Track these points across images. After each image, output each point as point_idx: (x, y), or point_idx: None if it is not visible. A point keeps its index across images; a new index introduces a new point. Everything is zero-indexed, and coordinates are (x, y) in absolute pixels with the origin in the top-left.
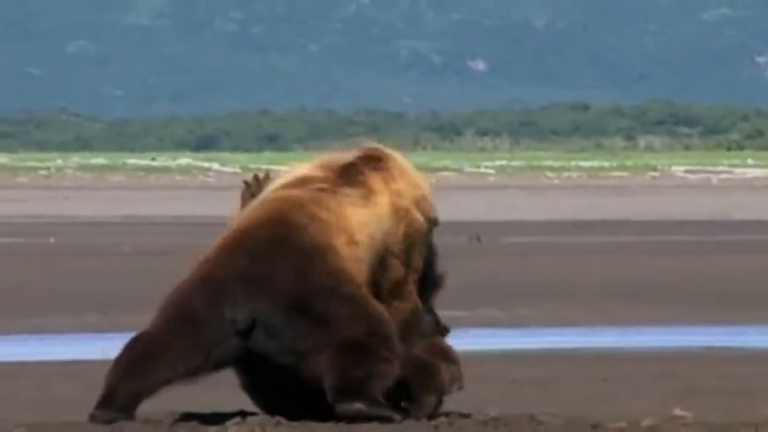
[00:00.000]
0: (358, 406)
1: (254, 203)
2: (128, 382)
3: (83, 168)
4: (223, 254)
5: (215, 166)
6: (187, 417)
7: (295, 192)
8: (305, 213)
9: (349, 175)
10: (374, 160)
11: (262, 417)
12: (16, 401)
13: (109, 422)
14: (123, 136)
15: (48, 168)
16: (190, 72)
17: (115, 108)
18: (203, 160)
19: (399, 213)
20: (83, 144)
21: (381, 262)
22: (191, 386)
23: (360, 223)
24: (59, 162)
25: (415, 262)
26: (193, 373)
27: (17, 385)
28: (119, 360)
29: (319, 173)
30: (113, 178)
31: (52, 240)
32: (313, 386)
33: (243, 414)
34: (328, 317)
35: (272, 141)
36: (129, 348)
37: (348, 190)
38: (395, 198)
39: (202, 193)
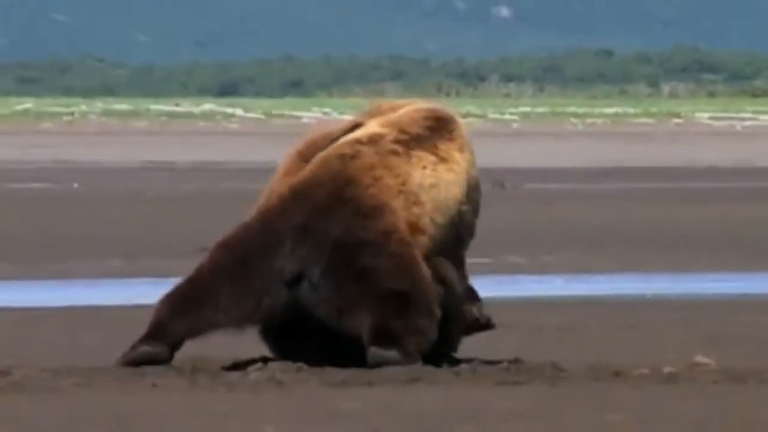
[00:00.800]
0: (392, 354)
1: (325, 153)
2: (178, 319)
3: (107, 113)
4: (285, 204)
5: (238, 112)
6: (208, 363)
7: (367, 150)
8: (371, 175)
9: (423, 141)
10: (447, 129)
11: (284, 363)
12: (40, 346)
13: (153, 357)
14: (147, 82)
15: (72, 113)
16: (213, 18)
17: (139, 54)
18: (226, 105)
19: (472, 184)
20: (107, 90)
21: (455, 232)
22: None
23: (429, 186)
24: (83, 107)
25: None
26: (242, 319)
27: (42, 330)
28: (170, 297)
29: (392, 134)
30: (137, 123)
31: (75, 185)
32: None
33: (264, 360)
34: (372, 270)
35: (296, 87)
36: (181, 287)
37: (421, 154)
38: (470, 168)
39: (225, 139)
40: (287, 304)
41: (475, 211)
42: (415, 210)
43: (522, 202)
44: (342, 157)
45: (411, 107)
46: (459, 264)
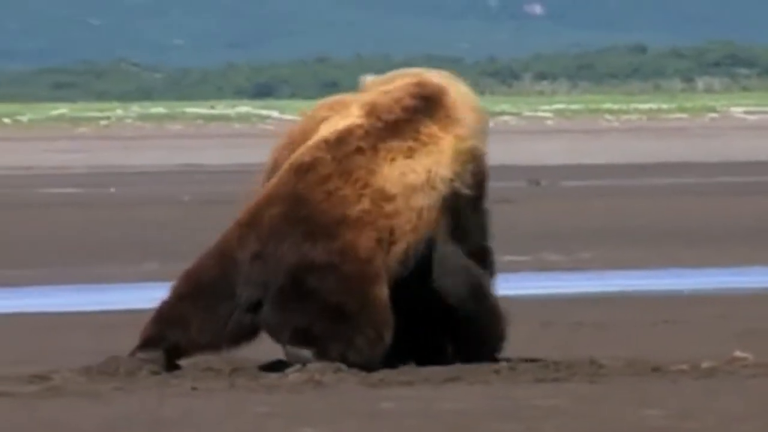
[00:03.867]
0: (306, 353)
1: (286, 164)
2: (169, 331)
3: (143, 117)
4: (241, 231)
5: (274, 113)
6: (246, 364)
7: (326, 158)
8: (324, 189)
9: (398, 127)
10: (429, 108)
11: (322, 364)
12: (78, 351)
13: (152, 361)
14: (182, 85)
15: (108, 118)
16: (247, 20)
17: (174, 57)
18: (262, 107)
19: (462, 156)
20: (143, 93)
21: (450, 206)
22: None
23: (399, 175)
24: (119, 112)
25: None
26: (215, 344)
27: (79, 334)
28: (153, 320)
29: (366, 124)
30: (173, 126)
31: (112, 190)
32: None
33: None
34: (321, 290)
35: (331, 88)
36: (160, 311)
37: (394, 144)
38: (459, 143)
39: (261, 141)
40: (252, 329)
41: (476, 180)
42: (387, 207)
43: (558, 199)
44: (298, 170)
45: (401, 82)
46: (476, 247)
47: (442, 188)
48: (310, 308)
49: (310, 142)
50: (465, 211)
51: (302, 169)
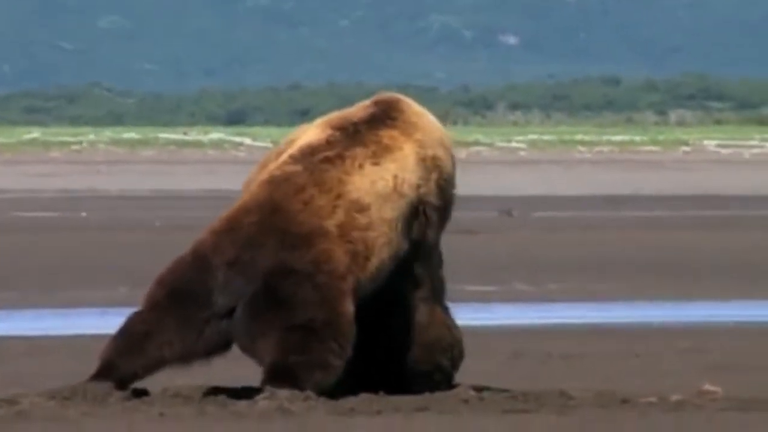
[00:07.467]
0: (284, 393)
1: (260, 178)
2: (125, 358)
3: (115, 142)
4: (217, 237)
5: (247, 140)
6: (216, 391)
7: (297, 170)
8: (301, 198)
9: (359, 134)
10: (389, 115)
11: (291, 392)
12: (48, 375)
13: (103, 394)
14: (155, 111)
15: (80, 143)
16: (221, 47)
17: (147, 83)
18: (235, 134)
19: (426, 162)
20: (115, 119)
21: (416, 215)
22: (220, 360)
23: (370, 183)
24: (91, 137)
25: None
26: (187, 353)
27: (49, 358)
28: (115, 337)
29: (327, 136)
30: (145, 152)
31: (84, 214)
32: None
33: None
34: (291, 300)
35: (303, 115)
36: (124, 326)
37: (358, 151)
38: (421, 149)
39: (233, 168)
40: (227, 336)
41: (442, 193)
42: (361, 219)
43: (529, 230)
44: (271, 182)
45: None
46: (431, 250)
47: (410, 194)
48: (282, 320)
49: (279, 159)
50: (431, 224)
51: (276, 181)
